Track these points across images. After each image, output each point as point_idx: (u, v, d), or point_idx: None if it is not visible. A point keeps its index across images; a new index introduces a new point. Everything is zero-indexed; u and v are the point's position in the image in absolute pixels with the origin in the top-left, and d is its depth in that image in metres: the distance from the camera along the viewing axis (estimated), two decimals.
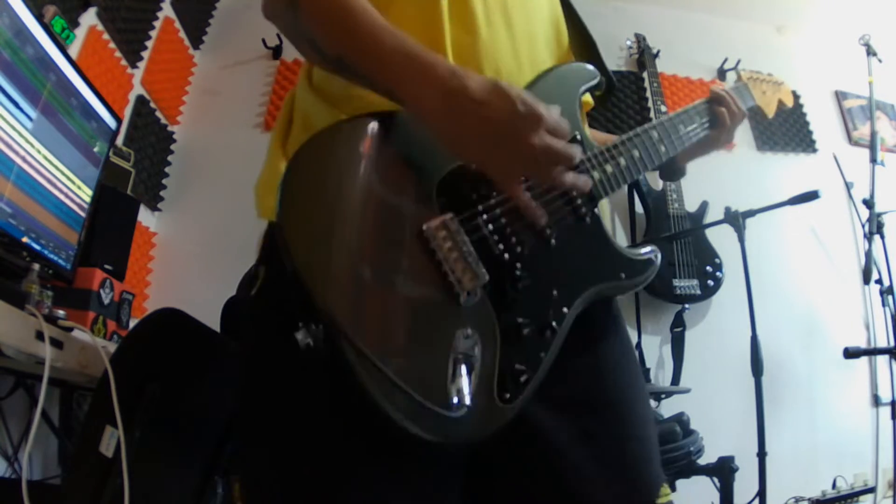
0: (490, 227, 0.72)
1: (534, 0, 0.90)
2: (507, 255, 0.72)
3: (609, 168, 0.82)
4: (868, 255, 2.17)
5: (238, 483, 0.73)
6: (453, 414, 0.62)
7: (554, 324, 0.73)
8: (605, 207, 0.86)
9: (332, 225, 0.63)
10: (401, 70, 0.67)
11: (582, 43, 0.96)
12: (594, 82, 0.89)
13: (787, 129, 3.20)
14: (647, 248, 0.85)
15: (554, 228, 0.76)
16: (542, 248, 0.75)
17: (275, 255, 0.72)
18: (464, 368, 0.64)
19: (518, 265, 0.72)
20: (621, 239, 2.84)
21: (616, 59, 3.25)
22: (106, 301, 1.68)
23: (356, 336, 0.59)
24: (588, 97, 0.94)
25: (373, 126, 0.69)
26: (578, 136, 0.82)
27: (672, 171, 1.05)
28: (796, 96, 3.28)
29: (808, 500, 2.22)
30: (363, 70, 0.69)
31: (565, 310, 0.74)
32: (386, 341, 0.63)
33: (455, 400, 0.62)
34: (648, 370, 2.56)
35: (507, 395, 0.68)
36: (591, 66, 0.90)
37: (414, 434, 0.61)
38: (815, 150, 3.18)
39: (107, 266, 1.74)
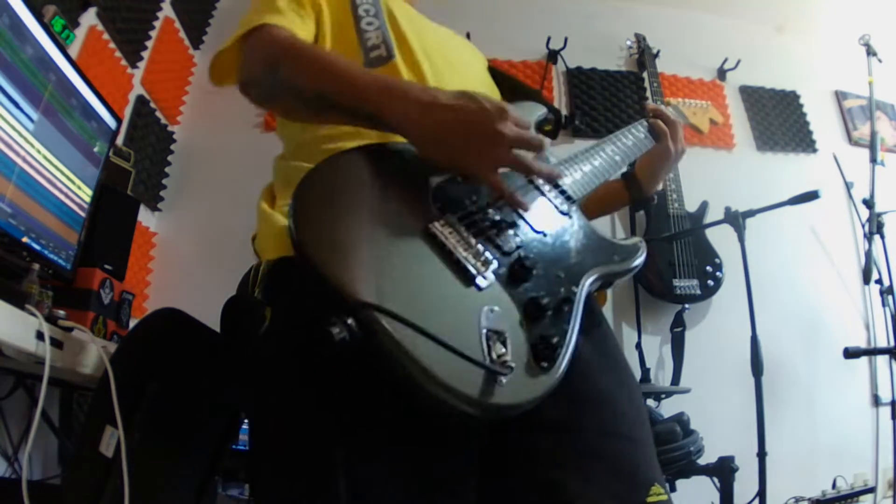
0: (487, 222, 0.77)
1: (467, 58, 1.10)
2: (508, 244, 0.77)
3: (577, 174, 0.94)
4: (868, 255, 2.16)
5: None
6: (502, 371, 0.63)
7: (570, 298, 0.77)
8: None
9: (347, 229, 0.68)
10: (379, 96, 0.77)
11: (519, 91, 1.12)
12: (541, 114, 1.03)
13: (787, 129, 3.20)
14: (633, 238, 0.93)
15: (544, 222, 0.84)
16: (538, 239, 0.82)
17: (281, 293, 0.81)
18: (497, 341, 0.66)
19: (521, 251, 0.77)
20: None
21: (616, 59, 3.24)
22: (106, 301, 1.68)
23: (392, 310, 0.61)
24: None
25: (370, 151, 0.78)
26: (545, 154, 0.92)
27: (642, 198, 1.14)
28: (796, 96, 3.28)
29: (808, 500, 2.22)
30: (346, 103, 0.80)
31: (574, 288, 0.79)
32: (419, 320, 0.62)
33: (497, 367, 0.64)
34: (648, 370, 2.56)
35: (545, 364, 0.69)
36: (536, 103, 1.04)
37: (460, 410, 0.61)
38: (815, 150, 3.18)
39: (107, 266, 1.73)
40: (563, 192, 0.90)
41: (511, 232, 0.79)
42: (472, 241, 0.74)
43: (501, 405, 0.64)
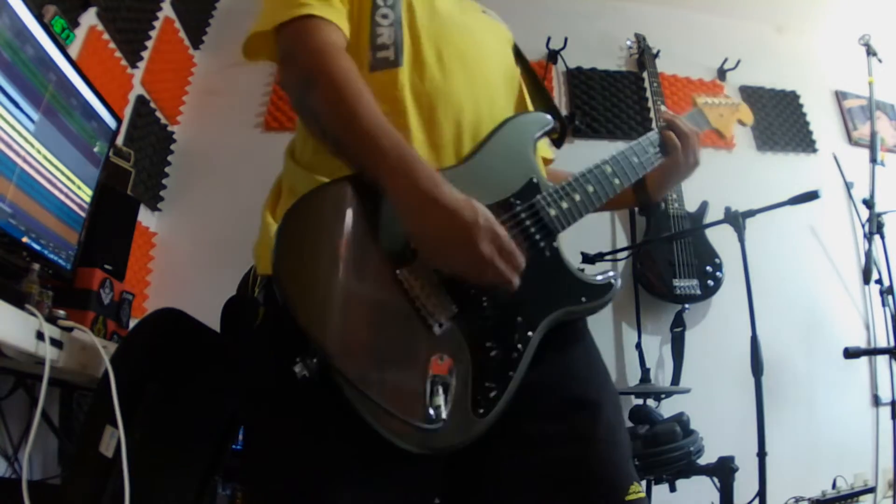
0: None
1: (489, 51, 1.01)
2: (472, 290, 0.80)
3: (565, 204, 0.90)
4: (868, 255, 2.16)
5: (242, 494, 0.84)
6: (432, 427, 0.71)
7: (519, 346, 0.81)
8: (562, 239, 0.93)
9: (320, 272, 0.73)
10: (390, 170, 0.76)
11: (536, 90, 1.09)
12: (548, 128, 0.99)
13: (787, 129, 3.20)
14: (606, 274, 0.93)
15: None
16: None
17: (272, 300, 0.83)
18: (440, 388, 0.73)
19: (483, 298, 0.81)
20: (621, 239, 2.84)
21: (616, 59, 3.24)
22: (106, 301, 1.68)
23: (345, 367, 0.69)
24: (545, 150, 1.08)
25: (351, 187, 0.78)
26: (535, 179, 0.90)
27: (648, 204, 1.12)
28: (796, 96, 3.28)
29: (808, 500, 2.22)
30: (357, 159, 0.79)
31: (530, 333, 0.83)
32: (371, 369, 0.71)
33: (433, 415, 0.72)
34: (648, 370, 2.56)
35: (481, 410, 0.77)
36: (544, 114, 1.00)
37: (400, 448, 0.71)
38: (815, 150, 3.18)
39: (107, 266, 1.73)
40: (544, 227, 0.88)
41: None
42: (436, 287, 0.78)
43: (439, 448, 0.74)
